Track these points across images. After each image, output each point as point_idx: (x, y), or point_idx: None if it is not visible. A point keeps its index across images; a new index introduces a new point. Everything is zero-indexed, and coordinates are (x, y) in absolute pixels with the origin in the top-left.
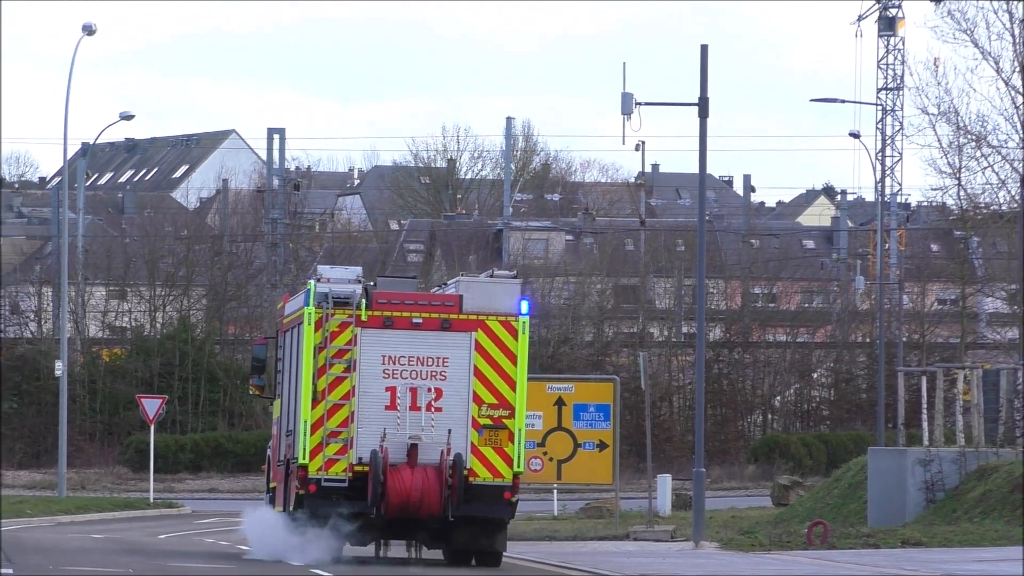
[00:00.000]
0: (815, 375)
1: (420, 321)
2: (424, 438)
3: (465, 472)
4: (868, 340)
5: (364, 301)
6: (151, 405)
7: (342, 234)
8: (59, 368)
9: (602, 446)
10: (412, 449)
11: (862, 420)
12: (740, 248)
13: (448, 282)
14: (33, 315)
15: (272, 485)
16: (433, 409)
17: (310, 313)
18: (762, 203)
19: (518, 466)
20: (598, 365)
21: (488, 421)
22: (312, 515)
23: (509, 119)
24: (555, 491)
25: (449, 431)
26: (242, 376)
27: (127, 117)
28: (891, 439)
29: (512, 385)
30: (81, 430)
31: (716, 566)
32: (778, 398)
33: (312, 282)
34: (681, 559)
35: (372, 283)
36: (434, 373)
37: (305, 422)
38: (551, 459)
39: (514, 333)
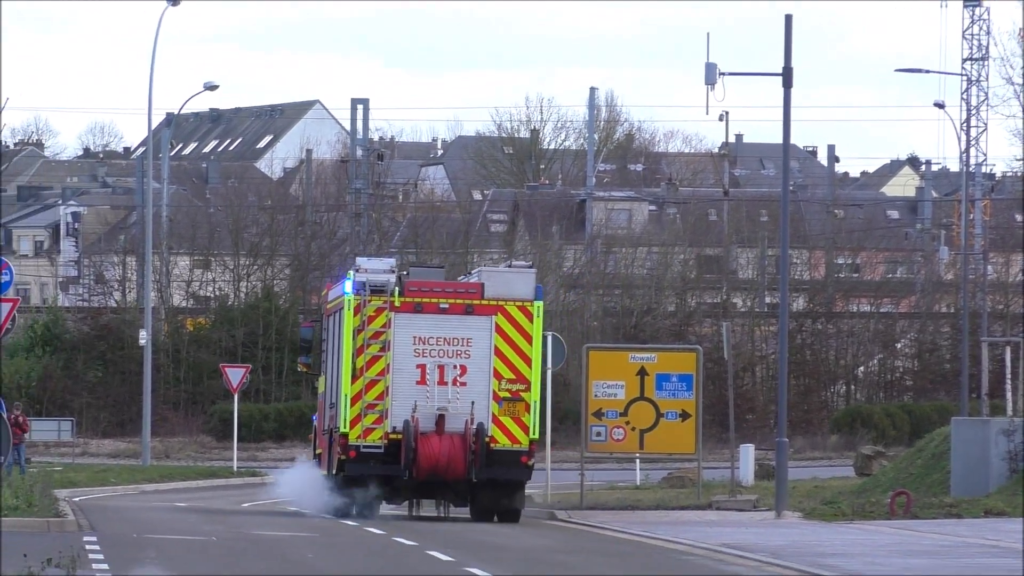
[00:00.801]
0: (899, 345)
1: (447, 306)
2: (450, 409)
3: (487, 439)
4: (952, 310)
5: (397, 289)
6: (235, 374)
7: (425, 204)
8: (143, 337)
9: (685, 416)
10: (440, 419)
11: (946, 390)
12: (824, 218)
13: (472, 272)
14: (117, 285)
15: (318, 452)
16: (458, 384)
17: (350, 299)
18: (846, 173)
19: (534, 433)
20: (681, 335)
21: (507, 394)
22: (352, 477)
23: (592, 89)
24: (637, 461)
25: (472, 403)
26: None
27: (211, 87)
28: (975, 409)
29: (528, 362)
30: (165, 399)
31: (799, 536)
32: (861, 368)
33: (352, 272)
34: (764, 529)
35: (405, 272)
36: (459, 352)
37: (346, 395)
38: (633, 429)
39: (530, 316)
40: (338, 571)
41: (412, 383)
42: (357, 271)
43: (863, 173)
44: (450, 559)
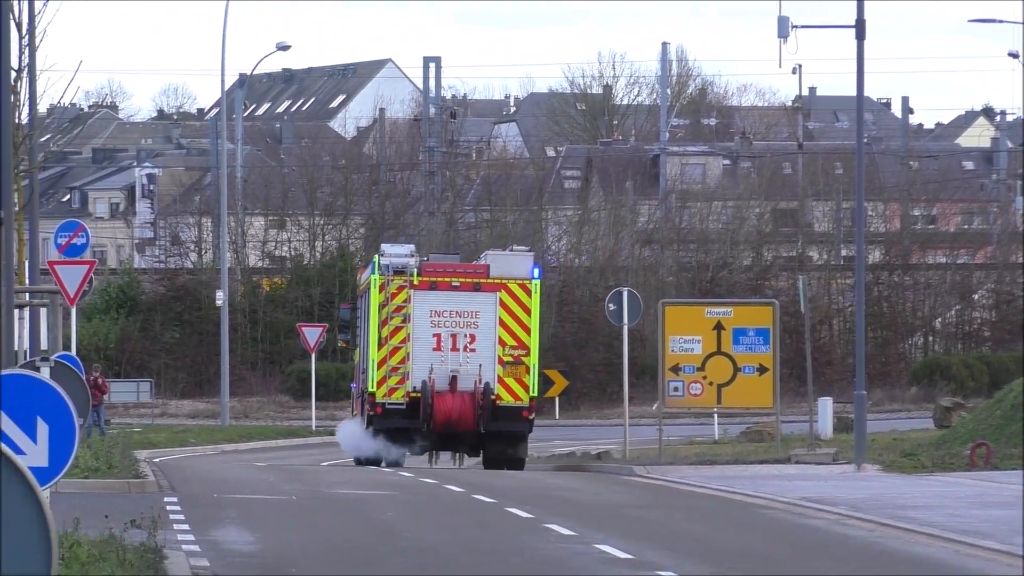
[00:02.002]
0: (976, 296)
1: (458, 284)
2: (462, 371)
3: (493, 397)
4: None
5: (416, 270)
6: (312, 334)
7: (498, 162)
8: (220, 298)
9: (762, 370)
10: (453, 379)
11: None
12: (899, 170)
13: (481, 256)
14: (193, 246)
15: (354, 413)
16: (468, 350)
17: (375, 279)
18: (920, 125)
19: (533, 392)
20: (757, 289)
21: (510, 358)
22: (380, 430)
23: (664, 44)
24: (715, 415)
25: (480, 366)
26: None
27: (283, 48)
28: None
29: (528, 331)
30: (243, 359)
31: (879, 488)
32: (939, 320)
33: (377, 256)
34: (843, 482)
35: (426, 257)
36: (469, 323)
37: (373, 361)
38: (711, 383)
39: (529, 293)
40: (421, 530)
41: (429, 349)
42: (382, 256)
43: (938, 124)
44: (530, 515)
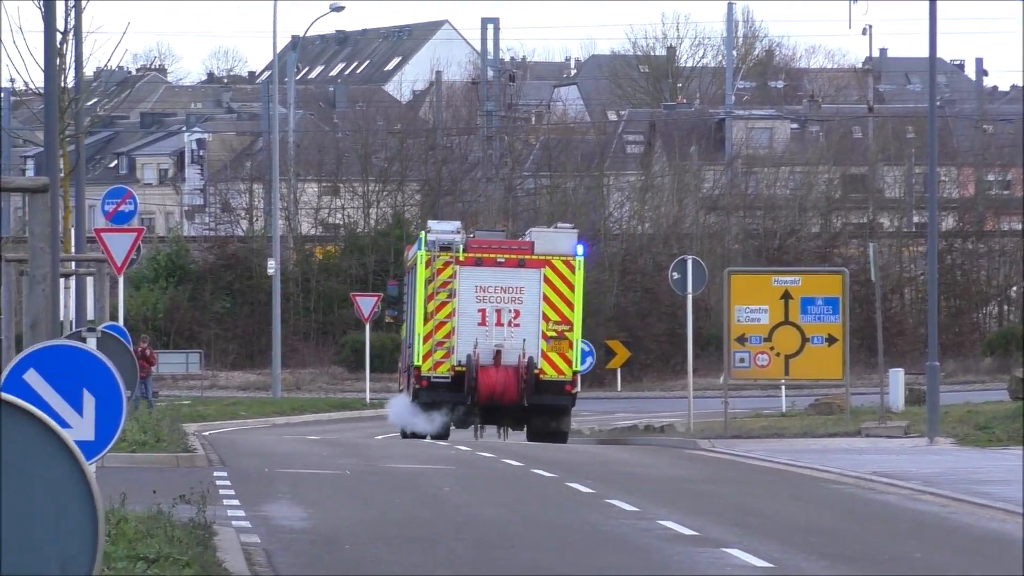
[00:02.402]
0: None
1: (503, 260)
2: (506, 346)
3: (536, 371)
4: None
5: (462, 246)
6: (366, 303)
7: (558, 126)
8: (271, 266)
9: (831, 340)
10: (497, 354)
11: None
12: (973, 134)
13: (525, 232)
14: (244, 213)
15: (401, 388)
16: (513, 325)
17: (421, 255)
18: (995, 87)
19: (576, 366)
20: (826, 257)
21: (553, 334)
22: (426, 403)
23: (730, 5)
24: (783, 387)
25: (524, 340)
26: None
27: (337, 9)
28: None
29: (571, 307)
30: (295, 329)
31: (952, 462)
32: (1014, 288)
33: (423, 233)
34: (915, 456)
35: (471, 234)
36: (513, 298)
37: (419, 335)
38: (778, 354)
39: (572, 269)
40: (479, 505)
41: (474, 324)
42: (428, 232)
43: (1012, 87)
44: (591, 491)
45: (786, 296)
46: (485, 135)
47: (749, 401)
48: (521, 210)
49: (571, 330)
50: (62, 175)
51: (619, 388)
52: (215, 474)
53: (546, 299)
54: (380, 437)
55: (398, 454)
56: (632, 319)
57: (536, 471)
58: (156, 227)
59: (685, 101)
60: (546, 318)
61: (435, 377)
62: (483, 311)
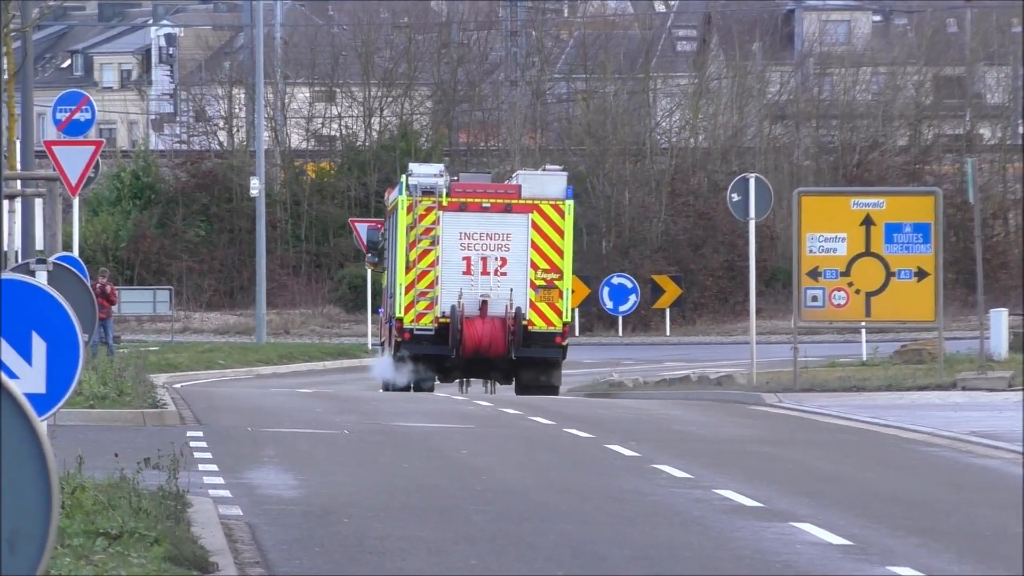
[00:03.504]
0: None
1: (488, 205)
2: (492, 296)
3: (525, 322)
4: None
5: (445, 190)
6: (368, 231)
7: (596, 19)
8: (255, 187)
9: (921, 274)
10: (483, 304)
11: None
12: None
13: (512, 175)
14: (223, 122)
15: (382, 340)
16: (499, 274)
17: (403, 200)
18: None
19: (566, 317)
20: (915, 175)
21: (542, 282)
22: (409, 356)
23: None
24: (863, 330)
25: (511, 290)
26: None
27: None
28: None
29: (561, 254)
30: (283, 262)
31: None
32: None
33: (404, 177)
34: (1021, 413)
35: (455, 177)
36: (500, 246)
37: (400, 285)
38: (857, 291)
39: (561, 214)
40: (502, 470)
41: (459, 273)
42: (410, 175)
43: None
44: (635, 454)
45: (867, 222)
46: (508, 30)
47: (823, 348)
48: (552, 120)
49: (561, 278)
50: (5, 77)
51: (668, 332)
52: (189, 434)
53: (534, 246)
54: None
55: (407, 410)
56: (683, 249)
57: (569, 430)
58: (118, 139)
59: None
60: (535, 266)
61: (418, 329)
62: (468, 259)
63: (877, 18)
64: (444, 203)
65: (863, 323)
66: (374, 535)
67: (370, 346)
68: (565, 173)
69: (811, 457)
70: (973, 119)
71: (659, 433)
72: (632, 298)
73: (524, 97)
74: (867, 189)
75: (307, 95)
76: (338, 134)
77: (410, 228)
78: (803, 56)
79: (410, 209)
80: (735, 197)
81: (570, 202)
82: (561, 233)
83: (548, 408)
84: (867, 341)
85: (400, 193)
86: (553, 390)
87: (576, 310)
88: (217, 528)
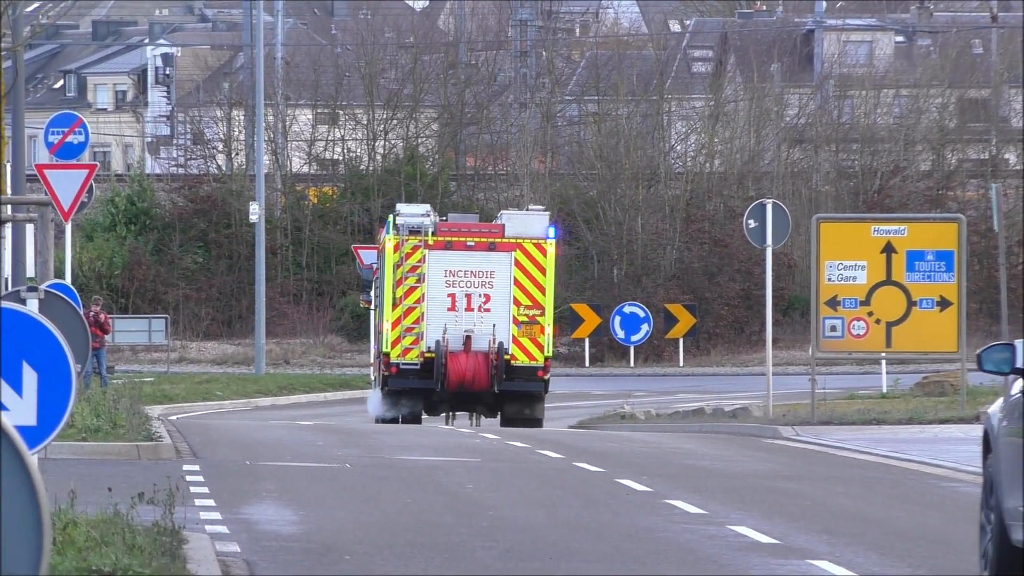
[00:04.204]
0: None
1: (472, 244)
2: (476, 331)
3: (508, 356)
4: None
5: (431, 229)
6: (370, 258)
7: (609, 39)
8: (255, 212)
9: (944, 304)
10: (467, 340)
11: None
12: None
13: (497, 215)
14: (221, 145)
15: (374, 376)
16: (483, 310)
17: (390, 239)
18: None
19: (548, 352)
20: (938, 201)
21: (525, 318)
22: (395, 390)
23: None
24: (883, 362)
25: (493, 325)
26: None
27: None
28: None
29: (543, 291)
30: (283, 290)
31: None
32: None
33: (392, 216)
34: None
35: (445, 217)
36: (484, 283)
37: (387, 321)
38: (878, 321)
39: (544, 252)
40: (510, 506)
41: (444, 310)
42: (397, 215)
43: None
44: (647, 489)
45: (888, 249)
46: (518, 50)
47: (842, 380)
48: (562, 143)
49: (543, 315)
50: None
51: (681, 363)
52: (185, 468)
53: (517, 283)
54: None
55: (410, 444)
56: (698, 277)
57: (579, 464)
58: (112, 163)
59: (764, 8)
60: (517, 302)
61: (404, 364)
62: (453, 296)
63: (900, 39)
64: (430, 241)
65: (883, 354)
66: (377, 573)
67: (372, 375)
68: (547, 213)
69: (829, 493)
70: (998, 143)
71: (672, 467)
72: (644, 327)
73: (534, 119)
74: (888, 216)
75: (309, 117)
76: (341, 158)
77: (397, 266)
78: (823, 78)
79: (397, 247)
80: (752, 223)
81: (552, 241)
82: (543, 271)
83: (557, 441)
84: (887, 373)
85: (387, 232)
86: (537, 423)
87: (587, 340)
88: (214, 565)
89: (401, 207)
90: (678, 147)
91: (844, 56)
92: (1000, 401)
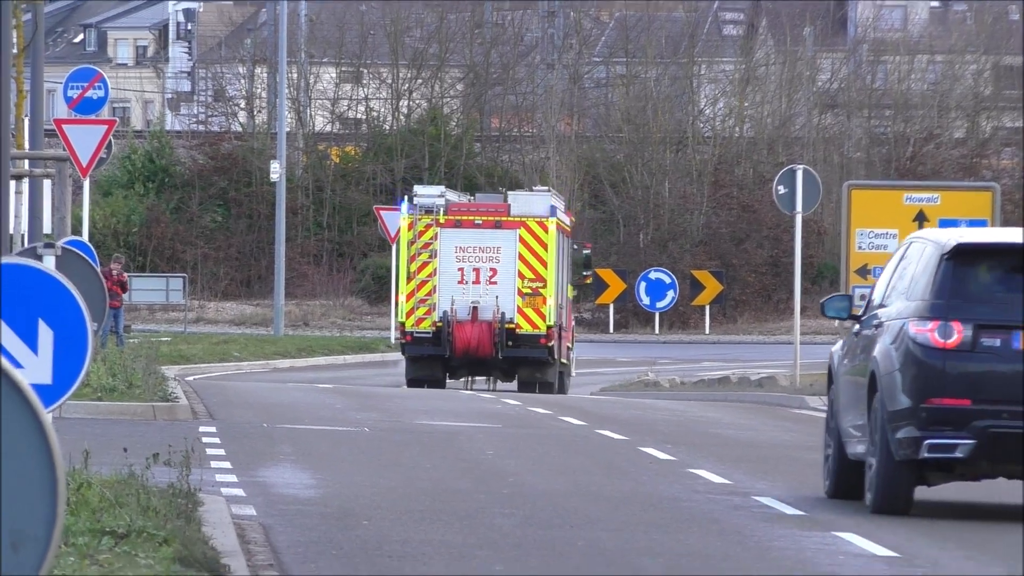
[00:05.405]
0: None
1: (480, 222)
2: (481, 302)
3: (512, 326)
4: None
5: (443, 209)
6: (393, 219)
7: (638, 0)
8: (276, 171)
9: None
10: (474, 310)
11: None
12: None
13: (507, 195)
14: (243, 103)
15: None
16: (490, 283)
17: (405, 218)
18: None
19: (549, 321)
20: (972, 169)
21: (528, 290)
22: (411, 356)
23: None
24: None
25: (497, 297)
26: (507, 183)
27: None
28: None
29: (545, 265)
30: (303, 251)
31: None
32: None
33: (406, 197)
34: None
35: (472, 197)
36: (491, 258)
37: (402, 294)
38: None
39: (546, 229)
40: (530, 473)
41: (454, 283)
42: (414, 196)
43: None
44: (670, 457)
45: (921, 218)
46: (545, 10)
47: None
48: (589, 105)
49: (545, 287)
50: (14, 52)
51: (707, 330)
52: (201, 429)
53: (521, 258)
54: (408, 387)
55: (431, 408)
56: (725, 243)
57: (602, 432)
58: (132, 119)
59: None
60: (521, 276)
61: (417, 332)
62: (462, 270)
63: (935, 4)
64: (441, 220)
65: None
66: (394, 539)
67: (393, 340)
68: (550, 193)
69: None
70: None
71: (696, 436)
72: (670, 294)
73: (560, 81)
74: (921, 183)
75: (332, 75)
76: (364, 117)
77: (411, 243)
78: (856, 42)
79: (411, 226)
80: (781, 189)
81: (553, 219)
82: (545, 246)
83: (579, 408)
84: None
85: (401, 212)
86: (549, 386)
87: (611, 306)
88: (229, 528)
89: (418, 188)
90: (707, 111)
91: (878, 21)
92: (840, 342)
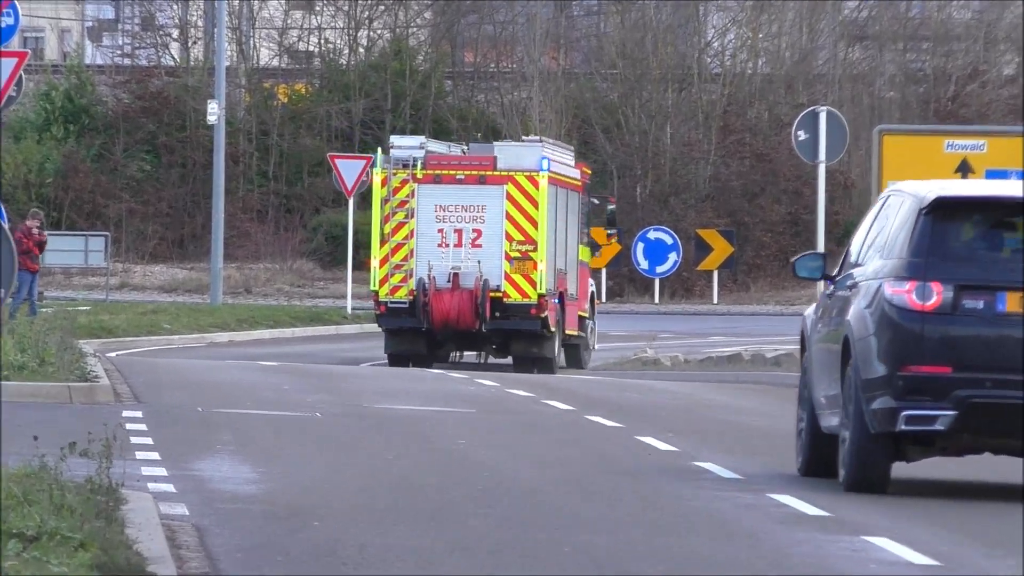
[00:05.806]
0: None
1: (463, 177)
2: (463, 268)
3: (499, 294)
4: None
5: (420, 163)
6: (351, 169)
7: None
8: (213, 112)
9: None
10: (454, 277)
11: None
12: None
13: (492, 146)
14: (176, 33)
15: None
16: (474, 245)
17: (377, 172)
18: None
19: (541, 288)
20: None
21: (517, 254)
22: (387, 329)
23: None
24: None
25: (479, 262)
26: (482, 128)
27: None
28: None
29: (535, 225)
30: (245, 205)
31: None
32: None
33: (379, 150)
34: None
35: (467, 147)
36: (475, 217)
37: (375, 259)
38: None
39: (536, 185)
40: (509, 465)
41: (434, 246)
42: (392, 147)
43: None
44: (671, 448)
45: (964, 167)
46: None
47: None
48: (578, 37)
49: (535, 250)
50: None
51: (715, 299)
52: (125, 414)
53: (509, 217)
54: (367, 364)
55: (394, 390)
56: (736, 198)
57: (592, 418)
58: (47, 51)
59: None
60: (509, 238)
61: (392, 302)
62: (442, 231)
63: None
64: (419, 175)
65: None
66: (350, 542)
67: (350, 310)
68: (541, 143)
69: None
70: None
71: (703, 423)
72: (672, 257)
73: (545, 8)
74: (964, 128)
75: (280, 2)
76: (317, 50)
77: (385, 201)
78: None
79: (385, 182)
80: (802, 135)
81: (545, 173)
82: (536, 204)
83: (566, 390)
84: None
85: (374, 165)
86: (548, 363)
87: (604, 271)
88: (157, 530)
89: (395, 139)
90: (715, 44)
91: None
92: (814, 305)
